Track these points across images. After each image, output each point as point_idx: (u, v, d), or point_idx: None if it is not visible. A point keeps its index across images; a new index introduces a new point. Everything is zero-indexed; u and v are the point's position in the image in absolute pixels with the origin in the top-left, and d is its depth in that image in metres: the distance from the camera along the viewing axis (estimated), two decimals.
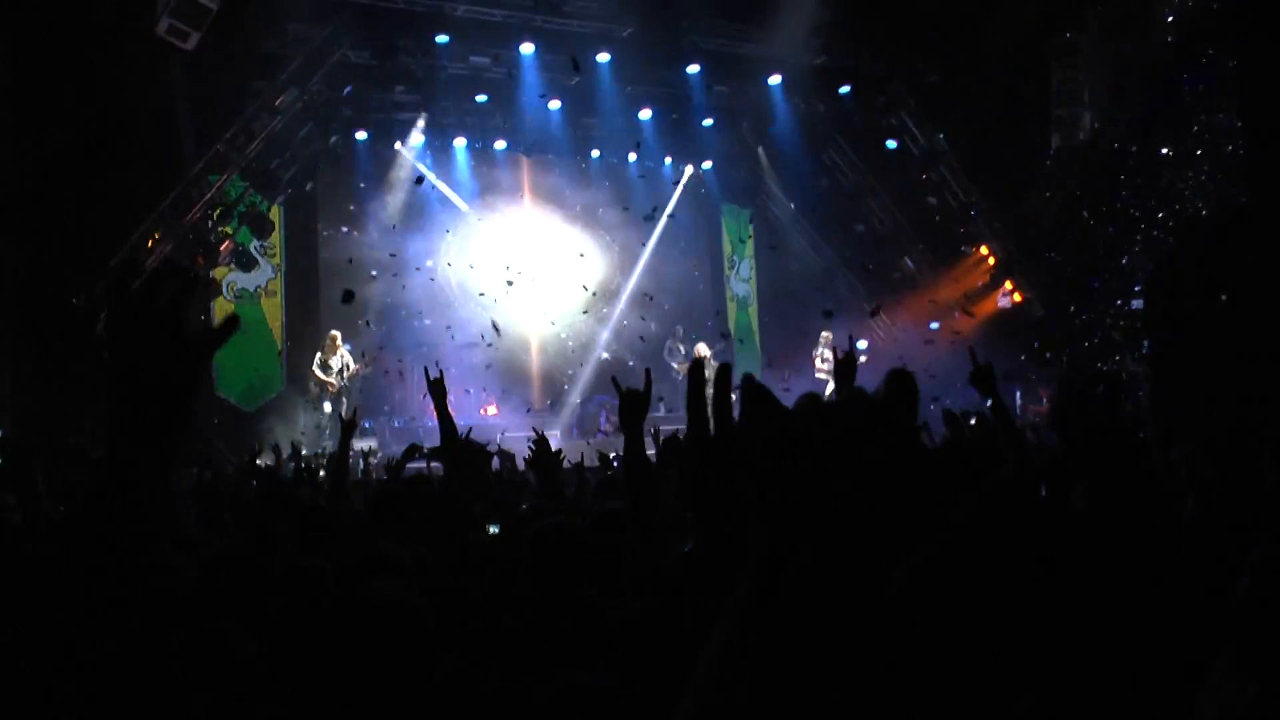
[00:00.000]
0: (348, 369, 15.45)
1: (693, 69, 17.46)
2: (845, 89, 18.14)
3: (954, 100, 18.20)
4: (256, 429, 15.03)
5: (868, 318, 17.97)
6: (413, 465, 6.96)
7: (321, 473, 10.34)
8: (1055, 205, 17.71)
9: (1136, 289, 16.80)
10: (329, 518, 4.18)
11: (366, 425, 15.70)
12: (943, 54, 17.95)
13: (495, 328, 16.00)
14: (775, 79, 18.01)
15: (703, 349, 17.24)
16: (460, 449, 4.56)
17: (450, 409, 4.44)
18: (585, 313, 18.56)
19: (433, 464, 7.42)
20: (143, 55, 13.00)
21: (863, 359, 16.89)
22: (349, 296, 14.10)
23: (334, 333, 15.69)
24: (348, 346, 15.81)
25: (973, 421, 6.27)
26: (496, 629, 2.66)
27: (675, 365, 17.68)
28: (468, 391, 16.27)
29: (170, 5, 12.41)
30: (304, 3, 14.71)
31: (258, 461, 9.35)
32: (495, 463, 7.82)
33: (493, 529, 3.77)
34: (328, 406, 15.21)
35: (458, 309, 17.52)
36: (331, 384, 15.28)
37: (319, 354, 15.50)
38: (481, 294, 17.30)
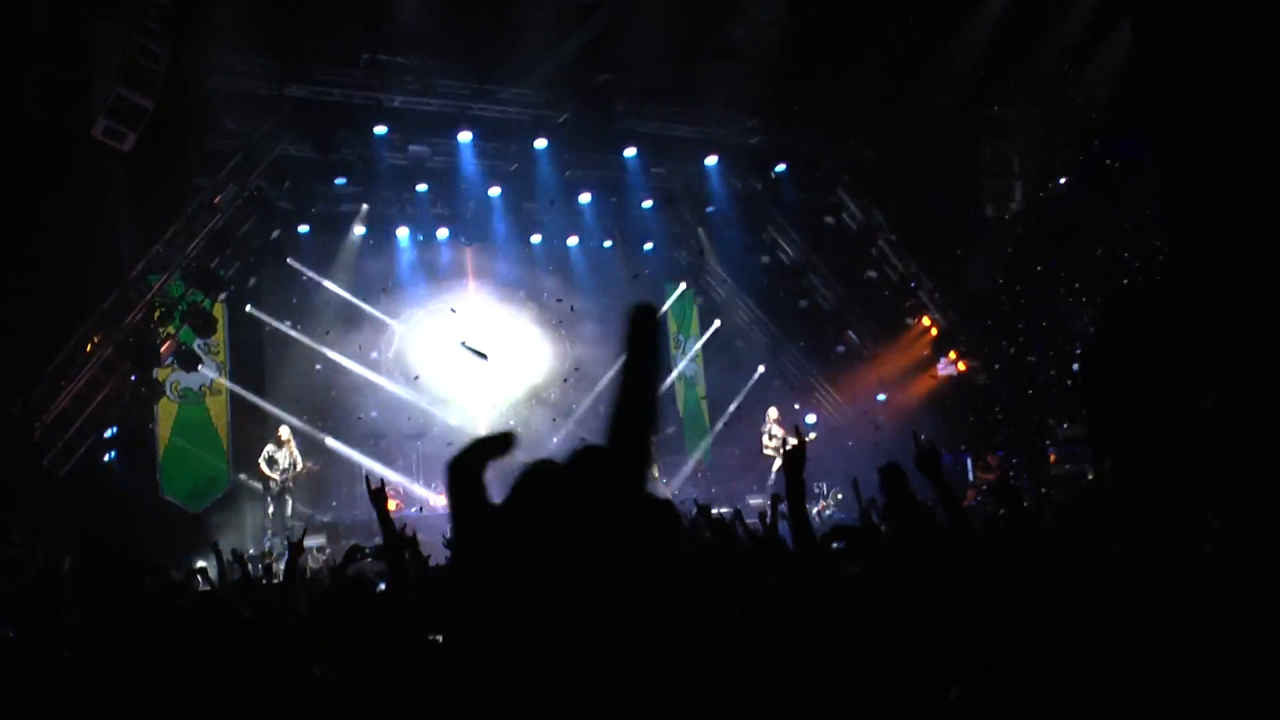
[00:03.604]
0: (295, 466, 15.27)
1: (629, 152, 17.70)
2: (781, 167, 18.44)
3: (888, 175, 18.55)
4: (203, 530, 14.76)
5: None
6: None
7: (264, 579, 10.16)
8: (992, 275, 18.01)
9: (1078, 351, 17.08)
10: (260, 635, 4.10)
11: (314, 517, 15.53)
12: (874, 130, 18.32)
13: (477, 352, 15.77)
14: (712, 159, 18.30)
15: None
16: (402, 550, 4.53)
17: (396, 505, 4.42)
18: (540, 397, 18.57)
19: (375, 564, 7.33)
20: (80, 156, 12.92)
21: (811, 435, 16.93)
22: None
23: (283, 428, 15.55)
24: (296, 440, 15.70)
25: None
26: None
27: None
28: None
29: (107, 106, 12.35)
30: (242, 99, 14.78)
31: (198, 568, 9.17)
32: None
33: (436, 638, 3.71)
34: (270, 505, 14.99)
35: (404, 398, 17.44)
36: (275, 480, 15.08)
37: (267, 448, 15.32)
38: (416, 376, 17.26)
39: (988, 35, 15.99)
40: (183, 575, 7.66)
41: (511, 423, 18.43)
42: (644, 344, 1.63)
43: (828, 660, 2.51)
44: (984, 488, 15.76)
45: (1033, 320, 17.91)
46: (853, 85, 16.50)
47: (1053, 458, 16.90)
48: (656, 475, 17.06)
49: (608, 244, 19.80)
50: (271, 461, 15.18)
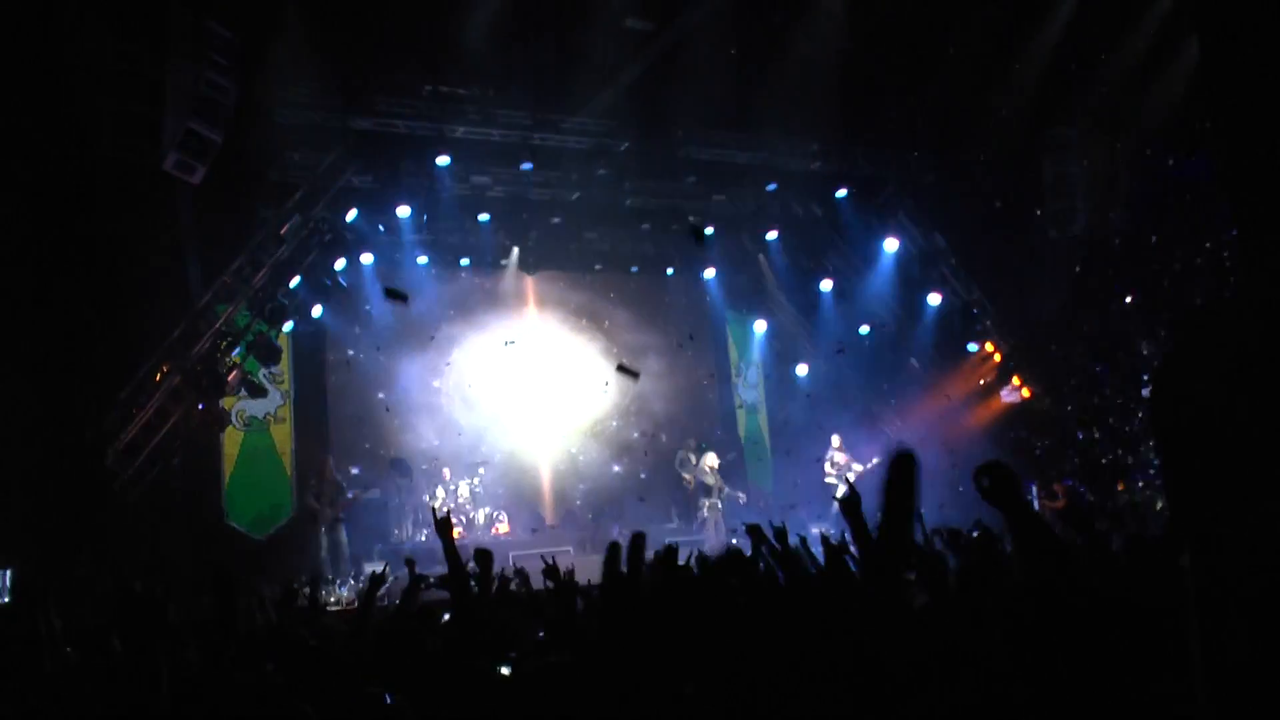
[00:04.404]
0: (343, 497, 15.31)
1: (689, 179, 17.73)
2: (842, 193, 18.35)
3: (950, 198, 18.39)
4: (267, 557, 14.90)
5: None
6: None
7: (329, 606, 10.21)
8: (1056, 299, 17.77)
9: (1145, 377, 16.79)
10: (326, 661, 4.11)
11: (377, 547, 15.61)
12: (936, 153, 18.19)
13: (630, 372, 15.58)
14: (772, 185, 18.26)
15: (712, 459, 17.29)
16: (468, 579, 4.53)
17: (459, 533, 4.42)
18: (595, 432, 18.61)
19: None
20: (150, 190, 13.20)
21: (874, 460, 16.70)
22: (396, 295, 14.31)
23: (324, 458, 15.65)
24: (355, 470, 15.85)
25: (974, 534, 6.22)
26: None
27: (686, 476, 17.61)
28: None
29: (177, 140, 12.63)
30: (307, 131, 15.01)
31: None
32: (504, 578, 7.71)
33: (504, 669, 3.70)
34: (325, 538, 14.96)
35: (466, 427, 17.54)
36: (325, 514, 15.06)
37: (313, 481, 15.44)
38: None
39: (1050, 54, 15.83)
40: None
41: (574, 450, 18.49)
42: (905, 487, 1.68)
43: (905, 690, 2.47)
44: (1049, 516, 15.50)
45: (1098, 345, 17.63)
46: (913, 108, 16.42)
47: (1121, 486, 16.60)
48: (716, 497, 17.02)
49: (670, 271, 19.85)
50: (318, 495, 15.25)
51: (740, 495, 17.42)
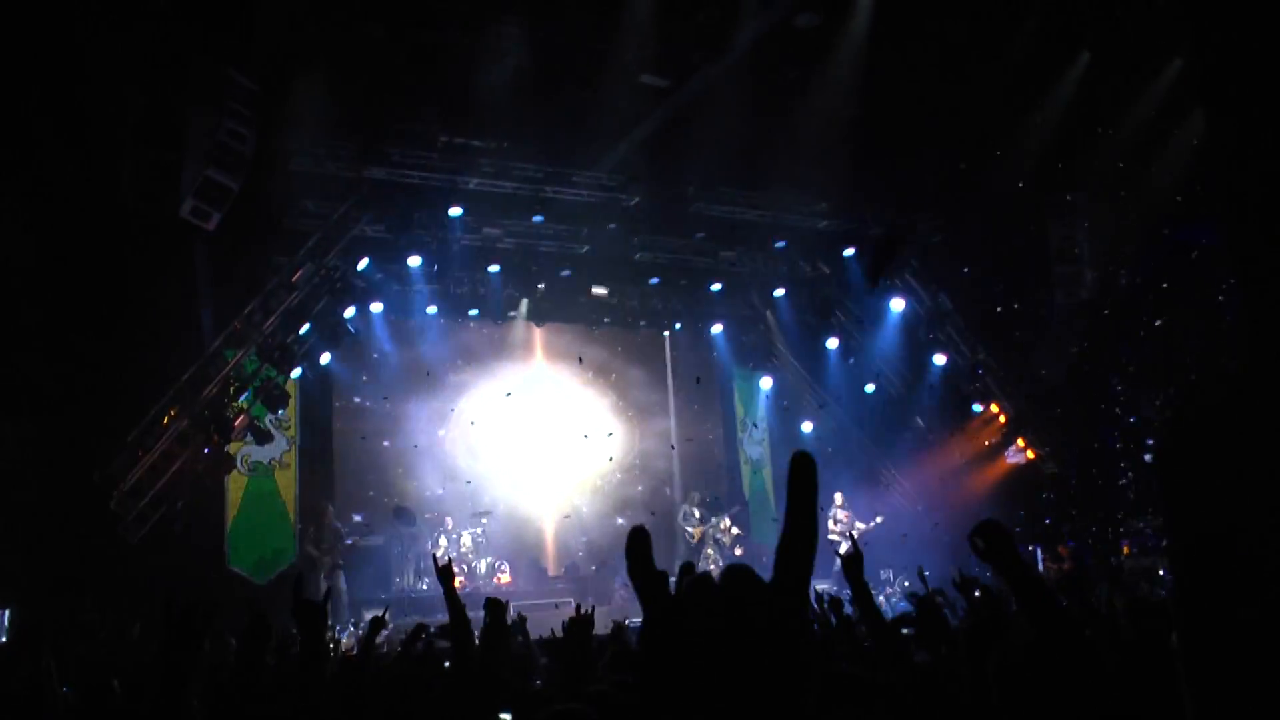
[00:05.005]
0: (339, 543, 15.33)
1: (698, 236, 17.87)
2: (849, 251, 18.47)
3: (957, 260, 18.50)
4: (268, 602, 14.83)
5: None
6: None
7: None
8: (1062, 363, 17.81)
9: (1149, 442, 16.78)
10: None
11: (381, 596, 15.57)
12: (943, 214, 18.31)
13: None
14: (780, 243, 18.39)
15: (727, 522, 17.50)
16: (469, 627, 4.54)
17: (461, 582, 4.45)
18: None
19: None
20: (165, 235, 13.32)
21: (877, 519, 16.75)
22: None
23: (323, 505, 15.71)
24: (357, 517, 15.86)
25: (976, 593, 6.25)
26: None
27: (690, 530, 17.60)
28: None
29: (195, 187, 12.77)
30: (321, 180, 15.17)
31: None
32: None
33: (505, 716, 3.72)
34: (323, 583, 14.93)
35: (470, 476, 17.58)
36: (323, 561, 15.08)
37: (311, 528, 15.49)
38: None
39: (1058, 119, 15.99)
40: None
41: (577, 501, 18.48)
42: (806, 488, 1.79)
43: None
44: (1054, 578, 15.44)
45: (1104, 408, 17.65)
46: (921, 170, 16.56)
47: (1126, 549, 16.54)
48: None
49: (678, 326, 19.96)
50: (317, 541, 15.27)
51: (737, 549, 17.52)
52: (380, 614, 6.16)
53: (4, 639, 11.55)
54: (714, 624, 1.73)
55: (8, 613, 12.28)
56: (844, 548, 16.81)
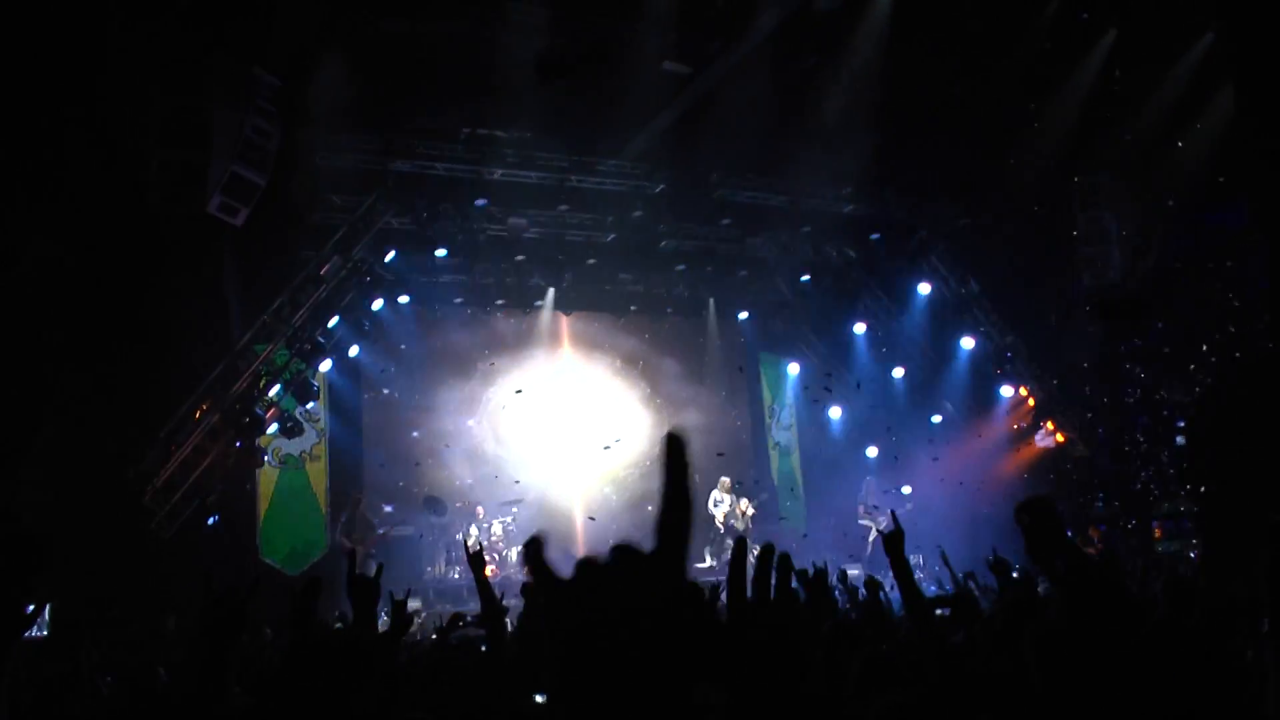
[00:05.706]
0: (371, 533, 15.41)
1: (725, 222, 17.85)
2: (875, 236, 18.40)
3: (983, 243, 18.40)
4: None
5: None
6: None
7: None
8: (1091, 345, 17.70)
9: (1180, 424, 16.69)
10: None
11: (412, 587, 15.65)
12: (969, 198, 18.21)
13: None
14: (806, 229, 18.34)
15: (745, 504, 17.43)
16: (501, 614, 4.58)
17: (492, 570, 4.48)
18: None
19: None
20: (192, 232, 13.41)
21: (907, 506, 16.69)
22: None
23: (356, 495, 15.80)
24: (388, 507, 15.94)
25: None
26: None
27: (717, 515, 17.61)
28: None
29: (222, 183, 12.85)
30: (347, 174, 15.24)
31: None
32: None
33: (539, 699, 3.75)
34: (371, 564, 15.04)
35: (499, 466, 17.64)
36: (354, 550, 15.13)
37: (343, 518, 15.57)
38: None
39: (1083, 100, 15.86)
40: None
41: (607, 490, 18.51)
42: (677, 463, 1.95)
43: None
44: None
45: (1133, 390, 17.53)
46: (946, 153, 16.47)
47: (1158, 532, 16.45)
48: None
49: (705, 313, 19.96)
50: (348, 530, 15.36)
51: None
52: (401, 596, 6.15)
53: (45, 633, 11.69)
54: (602, 599, 1.94)
55: (47, 608, 12.42)
56: (883, 523, 16.79)
